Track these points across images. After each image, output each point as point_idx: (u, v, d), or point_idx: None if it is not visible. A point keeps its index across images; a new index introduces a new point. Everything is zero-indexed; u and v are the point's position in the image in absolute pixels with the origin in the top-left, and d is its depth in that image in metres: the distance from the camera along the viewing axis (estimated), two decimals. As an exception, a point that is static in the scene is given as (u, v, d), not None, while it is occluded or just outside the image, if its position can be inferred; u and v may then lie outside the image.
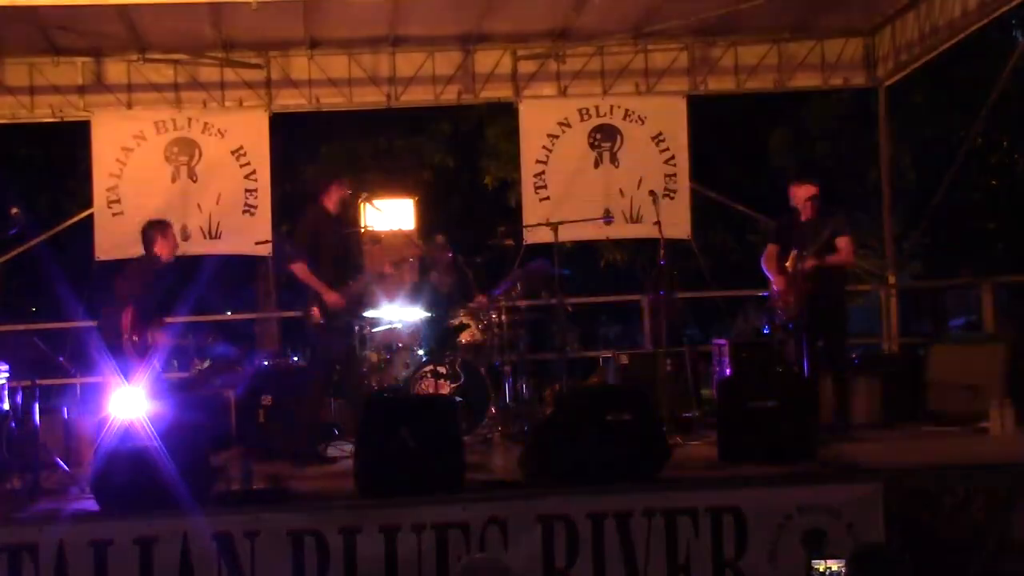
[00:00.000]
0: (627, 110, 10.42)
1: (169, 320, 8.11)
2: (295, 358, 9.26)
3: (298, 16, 9.32)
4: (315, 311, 7.76)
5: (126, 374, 7.58)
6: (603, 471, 5.99)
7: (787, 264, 8.03)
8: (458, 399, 7.90)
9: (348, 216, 8.54)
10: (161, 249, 7.86)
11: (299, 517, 5.63)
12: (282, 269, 8.02)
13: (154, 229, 7.96)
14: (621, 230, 10.63)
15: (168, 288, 8.11)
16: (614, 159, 10.40)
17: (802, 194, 8.08)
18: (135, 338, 7.52)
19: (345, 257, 8.17)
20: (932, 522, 6.16)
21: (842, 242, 7.91)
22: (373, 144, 13.97)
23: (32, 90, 9.97)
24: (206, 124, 10.09)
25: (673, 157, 10.41)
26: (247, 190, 10.09)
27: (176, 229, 9.72)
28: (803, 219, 8.04)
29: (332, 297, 7.76)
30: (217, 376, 9.03)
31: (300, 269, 7.81)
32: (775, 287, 8.16)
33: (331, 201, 8.03)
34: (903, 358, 9.66)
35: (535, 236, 9.67)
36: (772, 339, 9.02)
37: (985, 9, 8.99)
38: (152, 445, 5.73)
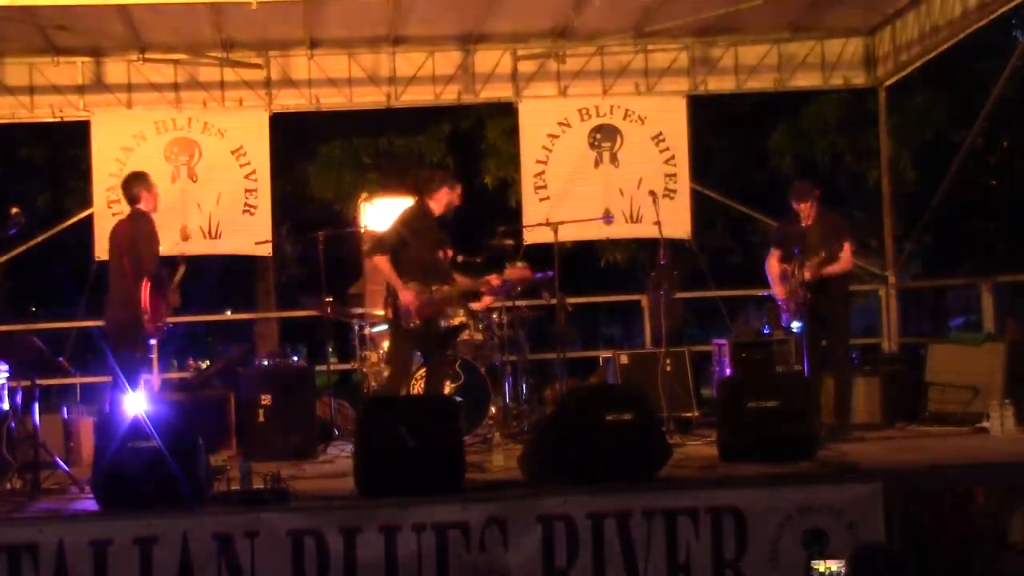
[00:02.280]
0: (627, 110, 10.43)
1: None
2: (295, 358, 9.27)
3: (298, 16, 9.32)
4: (388, 311, 7.50)
5: (139, 364, 7.47)
6: (603, 471, 5.98)
7: (787, 268, 8.03)
8: (458, 399, 7.92)
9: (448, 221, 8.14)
10: (148, 203, 7.53)
11: (299, 517, 5.61)
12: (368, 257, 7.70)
13: (138, 184, 7.56)
14: (621, 230, 10.63)
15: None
16: (614, 159, 10.41)
17: (803, 198, 8.07)
18: (154, 319, 7.27)
19: (435, 262, 7.67)
20: (932, 522, 6.16)
21: (844, 249, 7.88)
22: (373, 144, 13.95)
23: (32, 90, 9.97)
24: (206, 124, 10.11)
25: (673, 157, 10.42)
26: (247, 190, 10.10)
27: (176, 229, 9.76)
28: (805, 224, 8.02)
29: (405, 297, 7.38)
30: (217, 376, 9.05)
31: (382, 261, 7.46)
32: (777, 297, 8.18)
33: (438, 203, 7.68)
34: (903, 358, 9.66)
35: (535, 236, 9.70)
36: (772, 339, 9.05)
37: (985, 9, 8.98)
38: (152, 445, 5.73)
